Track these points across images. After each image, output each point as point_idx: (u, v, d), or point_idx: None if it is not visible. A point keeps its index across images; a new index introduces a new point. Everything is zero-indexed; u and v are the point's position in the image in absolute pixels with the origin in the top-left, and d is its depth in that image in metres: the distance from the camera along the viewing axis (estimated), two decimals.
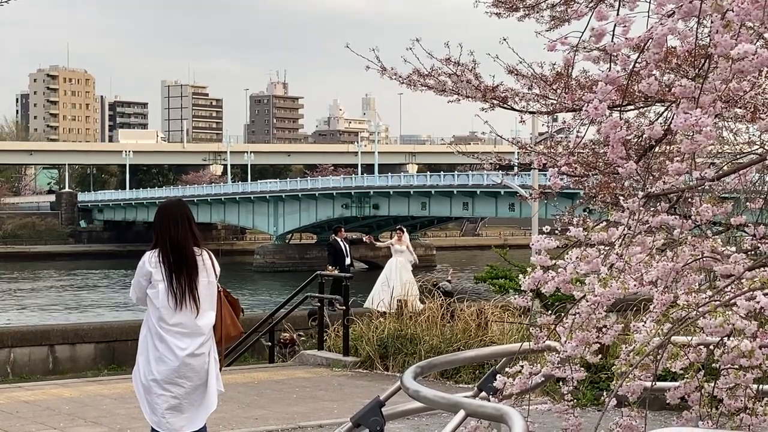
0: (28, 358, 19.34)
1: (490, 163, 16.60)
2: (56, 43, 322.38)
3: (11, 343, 19.54)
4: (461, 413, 5.48)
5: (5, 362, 19.06)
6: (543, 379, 5.58)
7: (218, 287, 7.90)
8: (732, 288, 4.91)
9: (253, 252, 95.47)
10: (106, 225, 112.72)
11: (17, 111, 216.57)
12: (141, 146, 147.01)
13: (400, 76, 13.62)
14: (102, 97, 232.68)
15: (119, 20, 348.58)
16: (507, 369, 5.80)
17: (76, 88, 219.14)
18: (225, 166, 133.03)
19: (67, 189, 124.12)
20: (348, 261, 23.68)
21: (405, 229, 23.84)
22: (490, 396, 5.85)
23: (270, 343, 18.30)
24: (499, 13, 14.17)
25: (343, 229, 26.34)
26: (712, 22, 4.66)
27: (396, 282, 20.35)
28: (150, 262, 7.60)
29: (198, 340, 7.61)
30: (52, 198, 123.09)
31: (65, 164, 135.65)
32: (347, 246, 24.03)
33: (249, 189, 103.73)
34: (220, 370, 8.00)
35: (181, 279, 7.55)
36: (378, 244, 31.38)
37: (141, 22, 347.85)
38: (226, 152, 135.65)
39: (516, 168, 14.99)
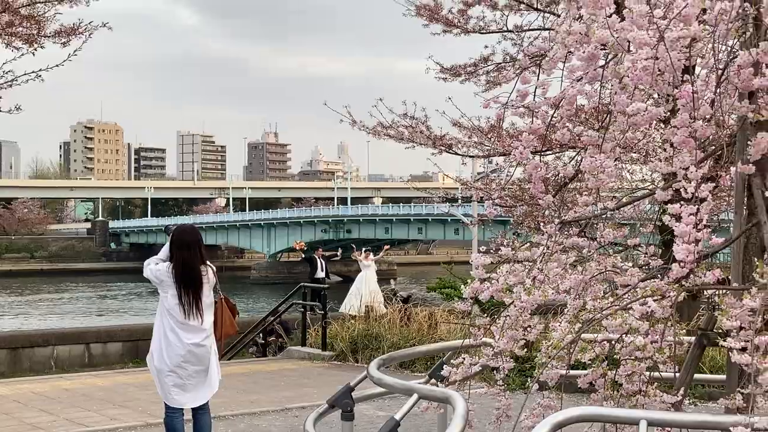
0: (68, 354, 19.17)
1: (439, 197, 16.51)
2: (91, 99, 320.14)
3: (54, 341, 19.42)
4: (415, 396, 5.47)
5: (49, 357, 18.89)
6: (480, 368, 5.58)
7: (219, 295, 7.92)
8: (629, 295, 4.93)
9: (251, 268, 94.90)
10: (131, 247, 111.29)
11: (60, 155, 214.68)
12: (160, 183, 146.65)
13: (367, 128, 13.69)
14: (129, 144, 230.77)
15: (143, 82, 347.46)
16: (452, 361, 5.79)
17: (108, 137, 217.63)
18: (228, 199, 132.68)
19: (100, 218, 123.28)
20: (323, 275, 23.47)
21: (369, 250, 23.75)
22: (439, 382, 5.84)
23: (263, 341, 18.23)
24: (445, 78, 14.30)
25: (320, 249, 26.20)
26: (612, 86, 4.71)
27: (364, 291, 20.36)
28: (167, 272, 7.56)
29: (201, 335, 7.60)
30: (88, 225, 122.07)
31: (99, 198, 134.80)
32: (324, 262, 23.88)
33: (247, 218, 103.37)
34: (220, 360, 8.01)
35: (189, 293, 7.54)
36: (355, 257, 30.80)
37: (160, 82, 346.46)
38: (228, 188, 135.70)
39: (459, 200, 14.97)
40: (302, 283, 18.41)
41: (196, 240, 7.76)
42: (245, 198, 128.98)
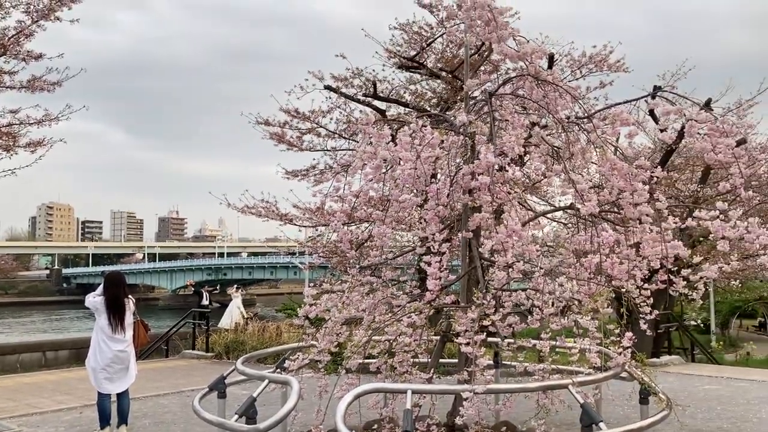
0: (30, 359, 17.46)
1: (285, 251, 15.87)
2: (51, 188, 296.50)
3: (20, 350, 17.74)
4: (266, 381, 5.29)
5: (16, 362, 17.15)
6: (309, 361, 5.47)
7: (136, 317, 7.52)
8: (400, 312, 4.98)
9: (158, 299, 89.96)
10: (78, 286, 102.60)
11: (29, 225, 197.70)
12: (98, 244, 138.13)
13: (238, 208, 13.39)
14: (78, 218, 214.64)
15: (88, 175, 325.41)
16: (291, 356, 5.65)
17: (63, 213, 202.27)
18: (144, 254, 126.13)
19: (56, 267, 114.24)
20: (207, 302, 22.41)
21: (238, 286, 22.98)
22: (282, 371, 5.68)
23: (166, 347, 17.15)
24: (289, 178, 14.14)
25: (207, 286, 25.15)
26: (390, 185, 4.80)
27: (234, 313, 19.69)
28: (101, 302, 7.16)
29: (123, 345, 7.20)
30: (48, 272, 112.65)
31: (56, 254, 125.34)
32: (208, 294, 22.86)
33: (157, 266, 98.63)
34: (136, 361, 7.54)
35: (116, 316, 7.17)
36: (228, 291, 29.62)
37: (99, 176, 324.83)
38: (144, 246, 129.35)
39: (297, 253, 14.70)
40: (193, 309, 17.52)
41: (121, 281, 7.44)
42: (156, 253, 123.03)
